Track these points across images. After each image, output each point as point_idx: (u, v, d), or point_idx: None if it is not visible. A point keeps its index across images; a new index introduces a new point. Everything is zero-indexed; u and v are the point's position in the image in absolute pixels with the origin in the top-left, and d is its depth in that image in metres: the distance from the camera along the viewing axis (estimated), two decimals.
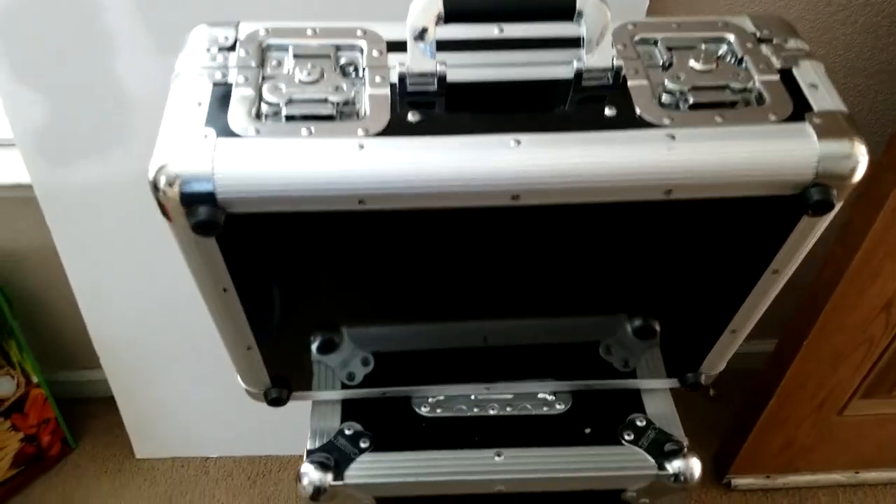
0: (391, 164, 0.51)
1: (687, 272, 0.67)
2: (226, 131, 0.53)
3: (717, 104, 0.55)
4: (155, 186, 0.52)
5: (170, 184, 0.52)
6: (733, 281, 0.67)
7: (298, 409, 0.85)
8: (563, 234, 0.60)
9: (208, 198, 0.52)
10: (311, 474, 0.79)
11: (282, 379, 0.80)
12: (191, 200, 0.52)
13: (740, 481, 1.51)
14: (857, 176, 0.54)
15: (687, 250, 0.63)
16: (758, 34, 0.61)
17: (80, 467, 1.52)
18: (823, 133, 0.54)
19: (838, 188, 0.54)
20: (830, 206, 0.54)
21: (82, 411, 1.56)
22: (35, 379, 1.39)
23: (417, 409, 0.85)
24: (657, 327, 0.76)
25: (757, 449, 1.44)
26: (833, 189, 0.54)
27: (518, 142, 0.52)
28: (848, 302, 1.12)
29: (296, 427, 0.89)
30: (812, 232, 0.59)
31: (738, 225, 0.60)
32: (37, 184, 1.10)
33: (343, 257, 0.63)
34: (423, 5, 0.52)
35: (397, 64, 0.56)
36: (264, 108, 0.54)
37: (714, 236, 0.61)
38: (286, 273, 0.64)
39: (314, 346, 0.77)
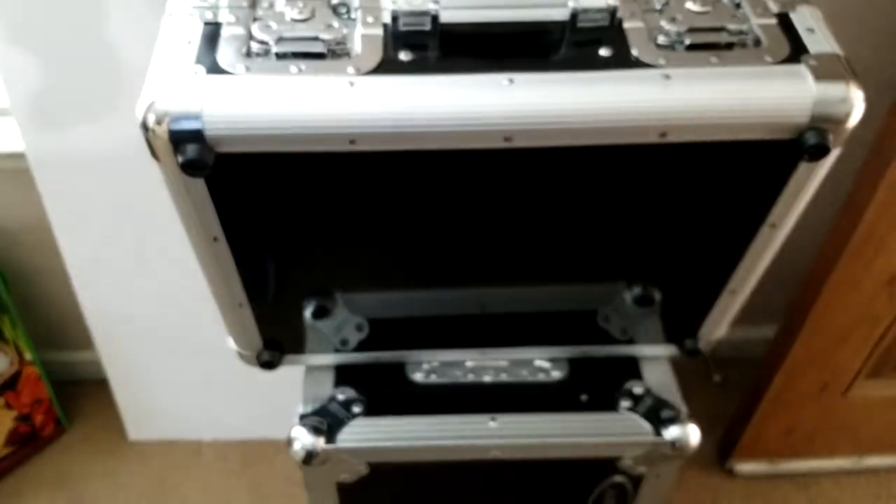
0: (382, 102, 0.52)
1: (683, 227, 0.67)
2: (215, 69, 0.53)
3: (714, 46, 0.56)
4: (144, 125, 0.53)
5: (158, 122, 0.52)
6: (730, 236, 0.68)
7: (293, 392, 0.85)
8: (557, 184, 0.61)
9: (197, 136, 0.52)
10: (303, 438, 0.80)
11: (274, 341, 0.81)
12: (179, 138, 0.52)
13: (744, 467, 1.51)
14: (854, 119, 0.55)
15: (682, 202, 0.64)
16: None
17: (72, 448, 1.52)
18: (820, 75, 0.54)
19: (835, 132, 0.55)
20: (826, 150, 0.55)
21: (75, 392, 1.56)
22: (29, 357, 1.39)
23: (411, 376, 0.86)
24: (655, 292, 0.77)
25: (760, 434, 1.44)
26: (829, 132, 0.54)
27: (511, 81, 0.53)
28: (851, 277, 1.12)
29: (290, 410, 0.89)
30: (808, 180, 0.59)
31: (735, 173, 0.60)
32: (30, 152, 1.11)
33: (335, 208, 0.63)
34: None
35: (391, 3, 0.56)
36: (254, 46, 0.54)
37: (710, 186, 0.62)
38: (277, 222, 0.64)
39: (307, 311, 0.77)
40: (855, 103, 0.54)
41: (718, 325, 0.80)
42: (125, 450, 1.53)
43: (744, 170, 0.59)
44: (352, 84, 0.52)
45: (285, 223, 0.64)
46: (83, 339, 1.39)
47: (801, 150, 0.55)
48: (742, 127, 0.54)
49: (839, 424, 1.43)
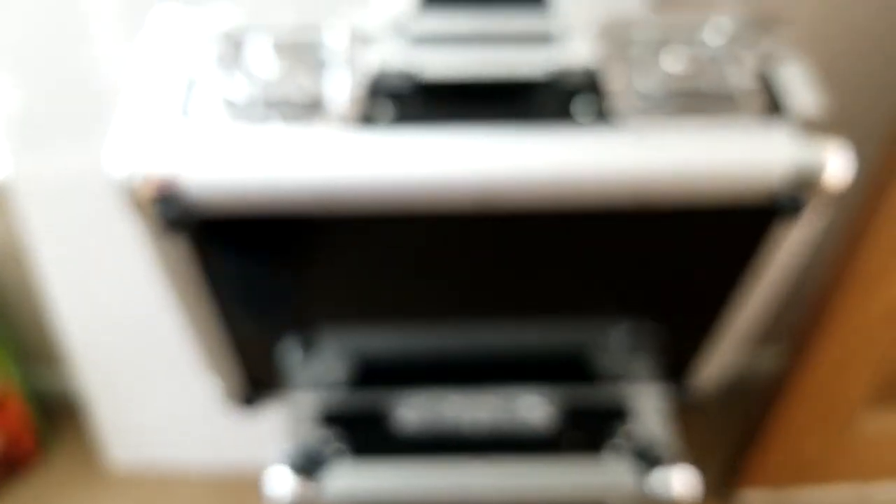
0: (354, 164, 0.55)
1: (668, 279, 0.69)
2: (193, 123, 0.56)
3: (691, 105, 0.58)
4: (119, 182, 0.55)
5: (134, 180, 0.55)
6: (718, 288, 0.70)
7: (280, 419, 0.88)
8: (534, 237, 0.63)
9: (176, 195, 0.55)
10: (283, 478, 0.82)
11: (256, 379, 0.83)
12: (158, 198, 0.55)
13: (747, 496, 1.53)
14: (833, 180, 0.57)
15: (664, 256, 0.66)
16: (742, 28, 0.64)
17: (50, 474, 1.54)
18: (798, 136, 0.56)
19: (814, 193, 0.57)
20: (802, 211, 0.57)
21: (53, 416, 1.59)
22: (11, 379, 1.42)
23: (396, 415, 0.88)
24: (644, 333, 0.79)
25: (764, 462, 1.46)
26: (805, 194, 0.57)
27: (482, 144, 0.55)
28: (853, 306, 1.14)
29: (274, 430, 0.92)
30: (790, 238, 0.62)
31: (717, 230, 0.62)
32: (15, 176, 1.14)
33: (313, 254, 0.66)
34: None
35: (373, 56, 0.59)
36: (233, 100, 0.57)
37: (692, 241, 0.64)
38: (257, 273, 0.67)
39: (290, 348, 0.80)
40: (836, 164, 0.56)
41: (713, 373, 0.82)
42: (105, 476, 1.55)
43: (725, 227, 0.62)
44: (333, 143, 0.55)
45: (266, 273, 0.67)
46: (63, 363, 1.41)
47: (778, 210, 0.57)
48: (718, 189, 0.56)
49: (843, 454, 1.45)
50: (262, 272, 0.66)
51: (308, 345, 0.80)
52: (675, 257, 0.67)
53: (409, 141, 0.56)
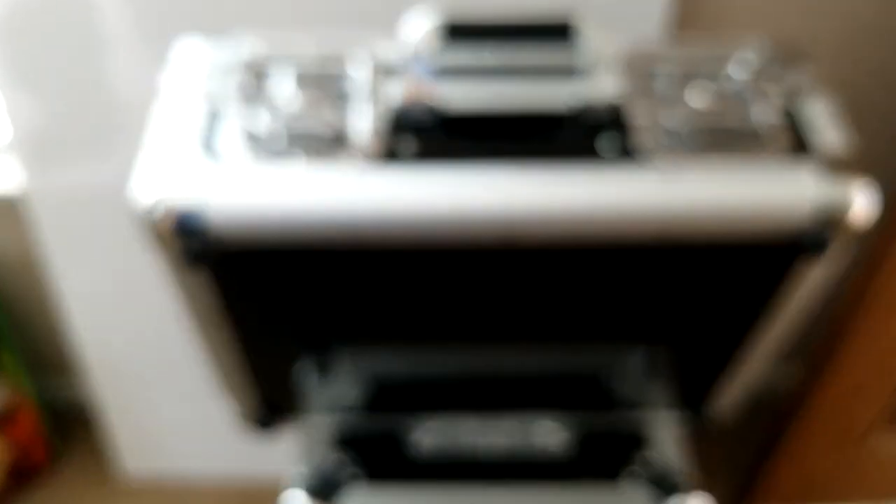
0: (384, 200, 0.54)
1: (689, 310, 0.69)
2: (217, 158, 0.56)
3: (716, 142, 0.58)
4: (144, 216, 0.55)
5: (160, 214, 0.55)
6: (739, 320, 0.70)
7: (294, 434, 0.88)
8: (555, 268, 0.63)
9: (202, 229, 0.55)
10: (299, 501, 0.82)
11: (272, 402, 0.83)
12: (183, 231, 0.55)
13: None
14: (858, 219, 0.57)
15: (685, 288, 0.66)
16: (768, 62, 0.63)
17: (62, 484, 1.55)
18: (824, 174, 0.56)
19: (839, 231, 0.57)
20: (827, 249, 0.57)
21: (65, 426, 1.60)
22: (24, 389, 1.43)
23: (411, 440, 0.88)
24: (662, 363, 0.79)
25: (776, 483, 1.45)
26: (830, 233, 0.56)
27: (506, 181, 0.55)
28: (869, 331, 1.13)
29: (290, 451, 0.92)
30: (812, 275, 0.61)
31: (740, 265, 0.62)
32: (29, 188, 1.14)
33: (334, 285, 0.66)
34: (417, 25, 0.55)
35: (396, 89, 0.59)
36: (256, 134, 0.57)
37: (714, 275, 0.64)
38: (278, 302, 0.67)
39: (306, 371, 0.80)
40: (861, 203, 0.56)
41: (730, 399, 0.82)
42: (117, 487, 1.55)
43: (747, 263, 0.61)
44: (351, 179, 0.55)
45: (286, 303, 0.67)
46: (77, 373, 1.42)
47: (802, 248, 0.57)
48: (742, 228, 0.56)
49: (857, 475, 1.44)
50: (282, 301, 0.66)
51: (324, 369, 0.80)
52: (697, 290, 0.66)
53: (431, 177, 0.56)
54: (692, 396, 0.83)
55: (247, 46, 0.62)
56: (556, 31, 0.60)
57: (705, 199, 0.55)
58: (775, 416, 1.40)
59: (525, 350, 0.78)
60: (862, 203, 0.56)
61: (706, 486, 0.84)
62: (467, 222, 0.55)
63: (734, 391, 0.80)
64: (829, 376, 1.24)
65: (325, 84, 0.60)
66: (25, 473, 1.51)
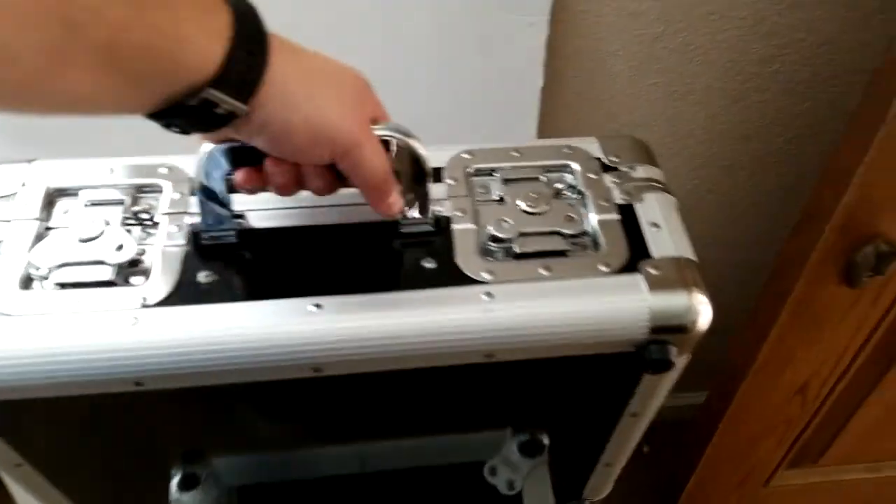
0: (167, 340, 0.48)
1: (544, 415, 0.65)
2: None
3: (546, 253, 0.53)
4: None
5: None
6: (593, 424, 0.65)
7: None
8: (388, 392, 0.57)
9: None
10: None
11: None
12: None
13: None
14: (699, 328, 0.52)
15: (535, 398, 0.61)
16: (605, 161, 0.59)
17: None
18: (658, 285, 0.51)
19: (680, 342, 0.52)
20: (669, 365, 0.52)
21: None
22: None
23: None
24: (536, 456, 0.74)
25: None
26: (671, 346, 0.52)
27: (319, 306, 0.49)
28: (761, 388, 1.11)
29: None
30: (661, 384, 0.57)
31: (582, 378, 0.58)
32: None
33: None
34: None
35: (194, 210, 0.52)
36: (33, 272, 0.50)
37: (557, 387, 0.59)
38: (78, 447, 0.60)
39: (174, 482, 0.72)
40: (699, 312, 0.52)
41: (602, 488, 0.77)
42: None
43: (591, 376, 0.57)
44: (136, 321, 0.48)
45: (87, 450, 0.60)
46: None
47: (644, 363, 0.52)
48: (574, 345, 0.51)
49: None
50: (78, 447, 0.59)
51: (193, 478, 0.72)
52: (552, 393, 0.62)
53: (224, 313, 0.49)
54: (571, 489, 0.78)
55: (42, 169, 0.55)
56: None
57: (531, 319, 0.50)
58: (678, 462, 1.38)
59: (400, 437, 0.72)
60: (704, 311, 0.52)
61: None
62: (265, 359, 0.49)
63: (606, 481, 0.76)
64: (726, 430, 1.22)
65: (121, 207, 0.53)
66: None
